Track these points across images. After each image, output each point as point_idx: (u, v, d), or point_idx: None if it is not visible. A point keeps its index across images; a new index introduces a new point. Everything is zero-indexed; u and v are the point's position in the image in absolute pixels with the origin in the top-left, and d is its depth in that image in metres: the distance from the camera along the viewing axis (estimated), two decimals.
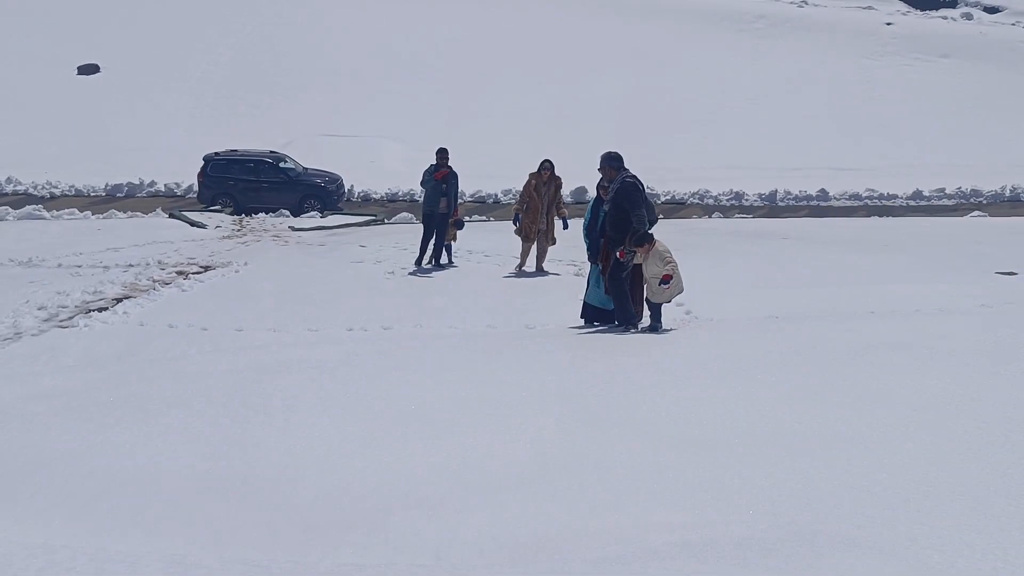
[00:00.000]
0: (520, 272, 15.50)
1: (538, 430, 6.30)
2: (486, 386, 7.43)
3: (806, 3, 49.47)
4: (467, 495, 5.38)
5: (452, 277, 15.38)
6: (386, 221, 24.94)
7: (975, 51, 43.61)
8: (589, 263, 11.22)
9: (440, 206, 15.98)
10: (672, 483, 5.34)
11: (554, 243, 15.79)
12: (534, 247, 15.61)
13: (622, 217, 10.28)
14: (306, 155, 30.55)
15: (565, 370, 8.21)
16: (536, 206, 15.51)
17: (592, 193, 12.38)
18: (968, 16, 50.03)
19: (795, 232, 20.61)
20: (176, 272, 15.71)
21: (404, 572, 4.51)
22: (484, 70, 40.14)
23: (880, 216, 27.33)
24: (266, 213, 25.07)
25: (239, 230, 22.31)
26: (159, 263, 16.47)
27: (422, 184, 16.38)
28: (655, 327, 10.07)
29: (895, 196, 30.63)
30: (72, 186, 30.30)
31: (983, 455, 5.53)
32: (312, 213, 25.66)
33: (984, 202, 29.96)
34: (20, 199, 28.22)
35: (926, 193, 30.79)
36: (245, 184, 26.73)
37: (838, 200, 30.41)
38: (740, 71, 41.24)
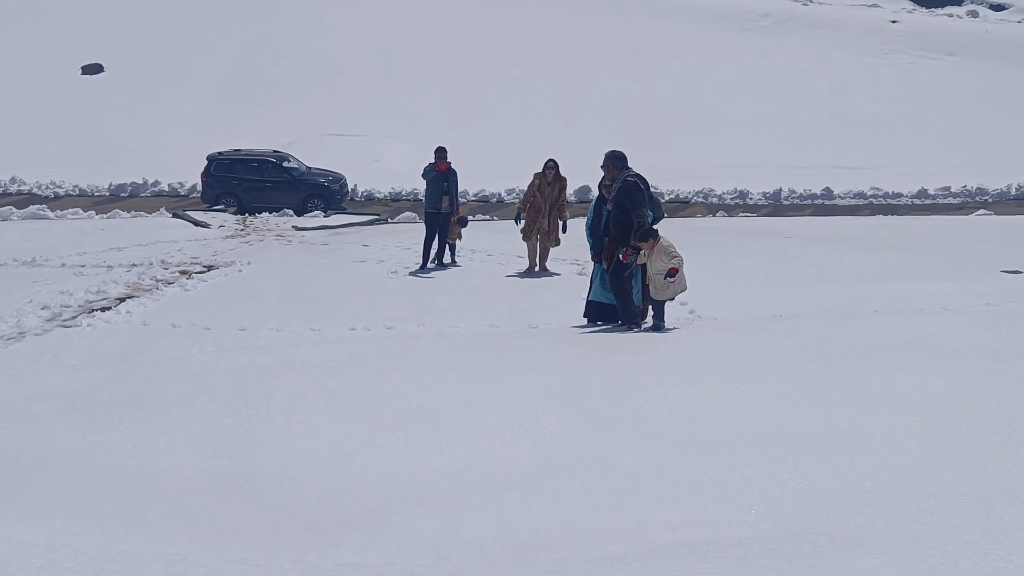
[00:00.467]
0: (528, 272, 15.48)
1: (540, 429, 6.29)
2: (488, 385, 7.42)
3: (810, 1, 49.40)
4: (469, 494, 5.37)
5: (454, 276, 15.38)
6: (389, 220, 24.96)
7: (981, 49, 43.55)
8: (592, 262, 11.20)
9: (443, 205, 15.99)
10: (674, 482, 5.33)
11: (557, 244, 15.77)
12: (538, 245, 15.61)
13: (625, 217, 10.27)
14: (310, 154, 30.57)
15: (568, 369, 8.19)
16: (539, 206, 15.49)
17: (595, 192, 12.36)
18: (974, 14, 49.95)
19: (799, 231, 20.57)
20: (179, 272, 15.72)
21: (405, 571, 4.50)
22: (486, 69, 40.17)
23: (884, 215, 27.25)
24: (269, 212, 25.10)
25: (242, 230, 22.32)
26: (162, 263, 16.49)
27: (423, 176, 16.32)
28: (658, 326, 10.06)
29: (900, 195, 30.56)
30: (76, 186, 30.36)
31: (987, 455, 5.51)
32: (315, 212, 25.66)
33: (989, 200, 29.89)
34: (24, 199, 28.28)
35: (931, 192, 30.70)
36: (249, 184, 26.76)
37: (842, 199, 30.34)
38: (744, 69, 41.21)
